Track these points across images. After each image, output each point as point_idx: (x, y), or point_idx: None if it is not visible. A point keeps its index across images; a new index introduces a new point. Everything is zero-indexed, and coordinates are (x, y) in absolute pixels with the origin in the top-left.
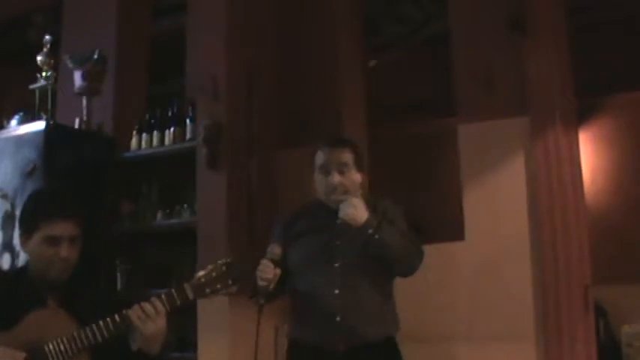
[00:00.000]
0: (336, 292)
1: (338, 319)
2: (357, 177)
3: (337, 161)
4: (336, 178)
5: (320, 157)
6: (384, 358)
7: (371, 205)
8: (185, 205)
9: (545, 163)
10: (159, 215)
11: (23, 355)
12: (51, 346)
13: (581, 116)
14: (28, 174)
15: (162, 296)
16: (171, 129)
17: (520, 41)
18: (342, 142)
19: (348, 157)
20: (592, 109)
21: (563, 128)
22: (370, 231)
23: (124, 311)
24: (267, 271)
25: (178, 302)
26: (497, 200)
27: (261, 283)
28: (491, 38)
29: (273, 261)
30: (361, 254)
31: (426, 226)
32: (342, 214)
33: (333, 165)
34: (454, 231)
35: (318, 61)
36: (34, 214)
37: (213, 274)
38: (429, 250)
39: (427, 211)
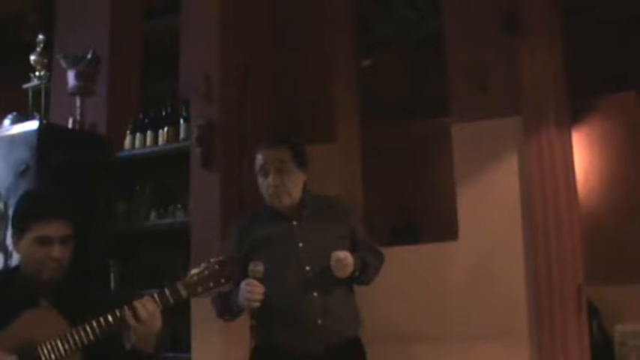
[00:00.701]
0: (315, 294)
1: (319, 321)
2: (298, 176)
3: (275, 160)
4: (276, 178)
5: (259, 159)
6: (355, 354)
7: (325, 206)
8: (179, 205)
9: (538, 163)
10: (152, 215)
11: (15, 357)
12: (44, 347)
13: (574, 116)
14: (21, 174)
15: (155, 295)
16: (165, 129)
17: (513, 41)
18: (280, 141)
19: (286, 155)
20: (584, 110)
21: (556, 128)
22: (357, 274)
23: (117, 313)
24: (258, 292)
25: (171, 301)
26: (490, 200)
27: (251, 304)
28: (484, 38)
29: (257, 279)
30: (328, 257)
31: (419, 225)
32: (340, 275)
33: (271, 165)
34: (447, 231)
35: (311, 62)
36: (25, 215)
37: (206, 272)
38: (422, 250)
39: (420, 211)
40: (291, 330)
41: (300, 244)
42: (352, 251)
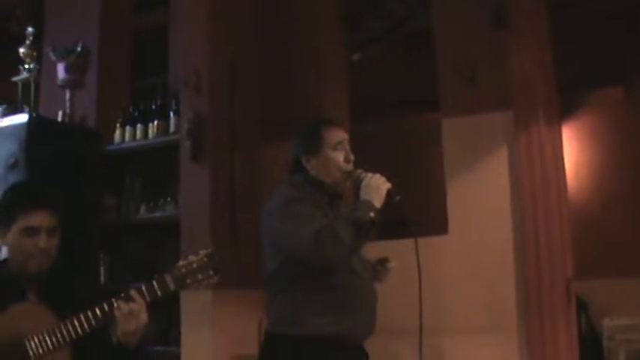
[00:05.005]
0: (374, 285)
1: (377, 313)
2: None
3: (347, 139)
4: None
5: (338, 134)
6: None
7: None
8: (169, 199)
9: (528, 158)
10: (142, 208)
11: None
12: (31, 341)
13: (564, 111)
14: (11, 167)
15: (143, 287)
16: (155, 122)
17: (503, 36)
18: None
19: None
20: (574, 105)
21: (546, 123)
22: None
23: (105, 306)
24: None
25: (159, 293)
26: (480, 194)
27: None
28: (474, 33)
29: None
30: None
31: (409, 220)
32: (382, 280)
33: (346, 142)
34: (437, 225)
35: (300, 56)
36: (10, 207)
37: (194, 264)
38: (412, 244)
39: (410, 205)
40: (360, 319)
41: None
42: None
